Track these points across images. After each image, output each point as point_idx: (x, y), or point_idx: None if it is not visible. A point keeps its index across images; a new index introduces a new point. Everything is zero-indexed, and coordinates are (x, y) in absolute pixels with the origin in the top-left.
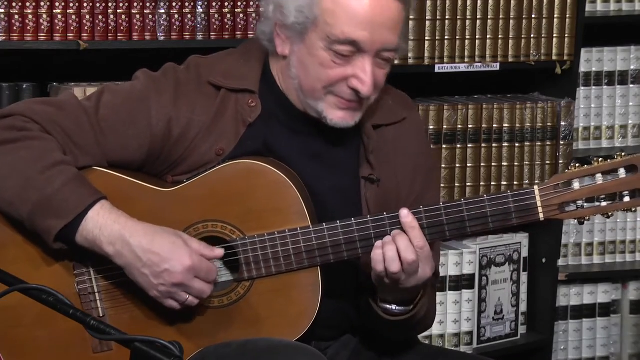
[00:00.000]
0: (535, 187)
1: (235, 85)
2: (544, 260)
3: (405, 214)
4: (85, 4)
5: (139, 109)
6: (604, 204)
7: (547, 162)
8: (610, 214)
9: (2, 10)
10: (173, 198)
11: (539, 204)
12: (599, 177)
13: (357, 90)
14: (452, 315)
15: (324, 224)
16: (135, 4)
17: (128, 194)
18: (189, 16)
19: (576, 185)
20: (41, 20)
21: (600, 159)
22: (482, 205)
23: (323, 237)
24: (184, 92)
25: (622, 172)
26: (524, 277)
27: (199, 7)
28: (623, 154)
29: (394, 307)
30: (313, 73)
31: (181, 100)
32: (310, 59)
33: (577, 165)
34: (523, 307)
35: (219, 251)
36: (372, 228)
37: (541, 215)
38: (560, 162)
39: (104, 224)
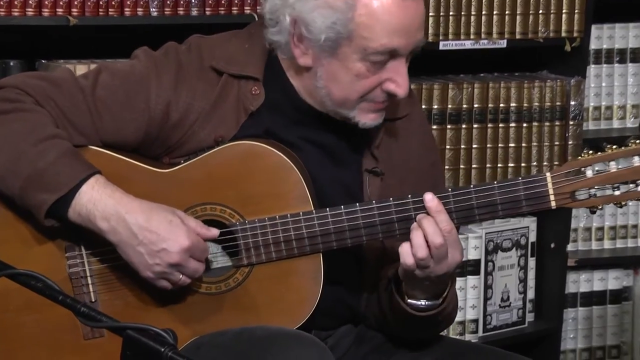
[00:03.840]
0: (547, 174)
1: (238, 72)
2: (552, 245)
3: (429, 198)
4: None
5: (138, 91)
6: (617, 192)
7: (556, 143)
8: (623, 203)
9: None
10: (170, 179)
11: (550, 191)
12: (612, 164)
13: (394, 94)
14: None
15: (328, 209)
16: None
17: (123, 174)
18: None
19: (589, 172)
20: None
21: (614, 146)
22: (492, 192)
23: (326, 223)
24: (185, 76)
25: (636, 160)
26: (531, 262)
27: None
28: (637, 141)
29: (422, 302)
30: (348, 85)
31: (182, 84)
32: (343, 72)
33: (591, 152)
34: (531, 294)
35: (215, 231)
36: (377, 215)
37: (553, 204)
38: (570, 143)
39: (98, 199)
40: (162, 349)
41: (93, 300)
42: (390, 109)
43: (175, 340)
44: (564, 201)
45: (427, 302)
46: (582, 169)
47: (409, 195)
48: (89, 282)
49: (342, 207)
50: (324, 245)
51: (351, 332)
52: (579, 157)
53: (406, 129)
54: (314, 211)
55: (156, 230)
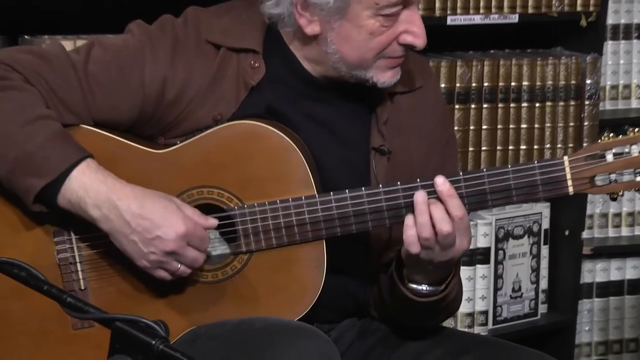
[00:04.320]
0: (565, 157)
1: (237, 44)
2: (566, 233)
3: (441, 182)
4: None
5: (132, 67)
6: (639, 178)
7: (571, 123)
8: None
9: None
10: (165, 161)
11: (568, 176)
12: (634, 148)
13: (413, 45)
14: (465, 293)
15: (332, 193)
16: None
17: (116, 155)
18: None
19: (609, 157)
20: None
21: (636, 129)
22: (506, 177)
23: (330, 209)
24: (182, 51)
25: None
26: (544, 251)
27: None
28: None
29: (423, 287)
30: (362, 45)
31: (178, 59)
32: (356, 32)
33: (611, 135)
34: (543, 284)
35: (213, 220)
36: (384, 200)
37: (570, 189)
38: (585, 124)
39: (89, 185)
40: (153, 342)
41: (83, 287)
42: (401, 80)
43: (167, 332)
44: (582, 187)
45: (428, 288)
46: (602, 152)
47: (418, 180)
48: (79, 268)
49: (347, 191)
50: (327, 231)
51: (354, 325)
52: (599, 140)
53: (418, 105)
54: (316, 195)
55: (150, 217)
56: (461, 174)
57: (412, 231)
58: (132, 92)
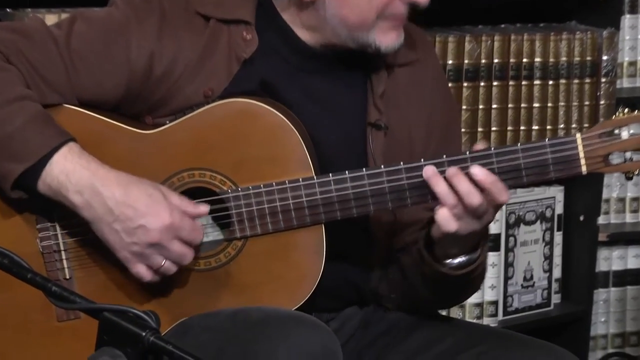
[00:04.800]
0: (578, 135)
1: (228, 15)
2: (581, 218)
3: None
4: None
5: (117, 42)
6: None
7: (586, 102)
8: None
9: None
10: (154, 142)
11: (581, 154)
12: None
13: (416, 3)
14: None
15: (330, 174)
16: None
17: (102, 136)
18: None
19: (624, 134)
20: None
21: None
22: (515, 155)
23: (329, 191)
24: (169, 24)
25: None
26: (558, 237)
27: None
28: None
29: (461, 259)
30: (363, 5)
31: (166, 33)
32: None
33: (626, 110)
34: (557, 272)
35: (204, 207)
36: (386, 182)
37: (584, 169)
38: (602, 102)
39: (71, 170)
40: (143, 333)
41: (67, 277)
42: (396, 52)
43: (158, 323)
44: (596, 165)
45: (465, 258)
46: (617, 130)
47: (422, 159)
48: (63, 257)
49: (347, 172)
50: (326, 215)
51: (356, 314)
52: (614, 117)
53: (416, 79)
54: (315, 177)
55: (134, 205)
56: (467, 153)
57: (443, 210)
58: (117, 68)
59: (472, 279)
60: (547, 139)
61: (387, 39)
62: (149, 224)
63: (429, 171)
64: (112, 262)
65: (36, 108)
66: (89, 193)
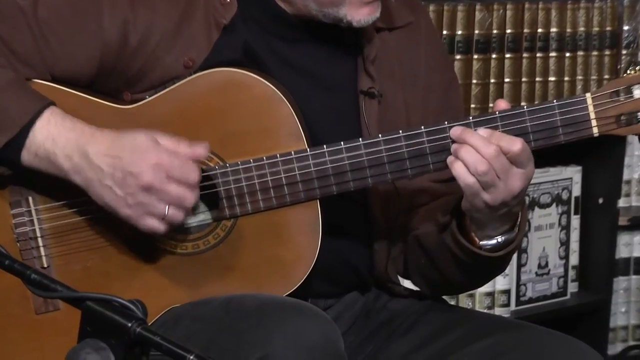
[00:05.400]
0: (587, 94)
1: None
2: (600, 201)
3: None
4: None
5: (87, 10)
6: None
7: (606, 76)
8: None
9: None
10: (134, 117)
11: (592, 115)
12: None
13: None
14: None
15: (325, 146)
16: None
17: (79, 113)
18: None
19: (637, 92)
20: None
21: None
22: (521, 118)
23: (323, 163)
24: None
25: None
26: (575, 221)
27: None
28: None
29: (499, 239)
30: None
31: (138, 0)
32: None
33: (638, 68)
34: (574, 259)
35: (200, 149)
36: (384, 151)
37: (595, 130)
38: (623, 76)
39: (57, 134)
40: (129, 324)
41: (45, 265)
42: (385, 15)
43: (144, 313)
44: (608, 127)
45: (502, 237)
46: (630, 87)
47: (422, 127)
48: (40, 244)
49: (342, 143)
50: (321, 190)
51: (357, 301)
52: (625, 74)
53: (410, 41)
54: (308, 149)
55: (119, 154)
56: (470, 118)
57: (471, 179)
58: (90, 38)
59: (509, 257)
60: (555, 100)
61: (358, 14)
62: (135, 168)
63: (457, 130)
64: (94, 248)
65: (10, 75)
66: (77, 155)
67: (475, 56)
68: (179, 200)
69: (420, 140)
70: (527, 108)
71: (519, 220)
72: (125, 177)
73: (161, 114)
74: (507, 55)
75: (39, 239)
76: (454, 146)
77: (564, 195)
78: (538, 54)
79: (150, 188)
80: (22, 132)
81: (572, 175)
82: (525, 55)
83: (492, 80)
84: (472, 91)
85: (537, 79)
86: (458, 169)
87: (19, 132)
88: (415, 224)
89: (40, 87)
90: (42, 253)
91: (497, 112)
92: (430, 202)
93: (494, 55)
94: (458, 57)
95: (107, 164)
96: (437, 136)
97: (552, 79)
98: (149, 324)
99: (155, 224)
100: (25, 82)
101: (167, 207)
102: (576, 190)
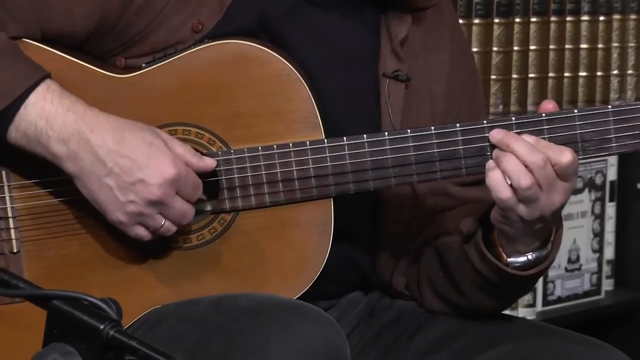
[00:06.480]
0: None
1: None
2: (639, 186)
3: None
4: None
5: None
6: None
7: None
8: None
9: None
10: (131, 88)
11: None
12: None
13: None
14: None
15: (345, 138)
16: None
17: (70, 80)
18: None
19: None
20: None
21: None
22: (571, 124)
23: (342, 157)
24: None
25: None
26: (610, 210)
27: None
28: None
29: (529, 256)
30: None
31: None
32: None
33: None
34: (609, 252)
35: (211, 161)
36: (412, 149)
37: None
38: None
39: (52, 113)
40: (101, 326)
41: (15, 250)
42: None
43: (119, 313)
44: None
45: (534, 255)
46: None
47: (457, 125)
48: (11, 225)
49: (365, 136)
50: (336, 187)
51: (360, 301)
52: None
53: (435, 23)
54: (325, 140)
55: (131, 155)
56: (513, 118)
57: (507, 193)
58: None
59: (535, 281)
60: (610, 106)
61: None
62: (149, 178)
63: (497, 134)
64: (72, 233)
65: (2, 38)
66: (76, 141)
67: (496, 20)
68: (181, 216)
69: (454, 139)
70: (577, 112)
71: (552, 236)
72: (135, 184)
73: (160, 87)
74: (533, 20)
75: (10, 220)
76: (495, 152)
77: (598, 180)
78: (568, 18)
79: (157, 203)
80: (13, 106)
81: (607, 157)
82: (553, 19)
83: (515, 48)
84: (493, 60)
85: (567, 46)
86: (495, 180)
87: (9, 106)
88: (434, 231)
89: (27, 47)
90: (13, 236)
91: (543, 115)
92: (453, 207)
93: (517, 20)
94: (477, 21)
95: (115, 162)
96: (474, 136)
97: (583, 46)
98: (128, 325)
99: (144, 234)
100: (19, 48)
101: (164, 221)
102: (611, 174)
